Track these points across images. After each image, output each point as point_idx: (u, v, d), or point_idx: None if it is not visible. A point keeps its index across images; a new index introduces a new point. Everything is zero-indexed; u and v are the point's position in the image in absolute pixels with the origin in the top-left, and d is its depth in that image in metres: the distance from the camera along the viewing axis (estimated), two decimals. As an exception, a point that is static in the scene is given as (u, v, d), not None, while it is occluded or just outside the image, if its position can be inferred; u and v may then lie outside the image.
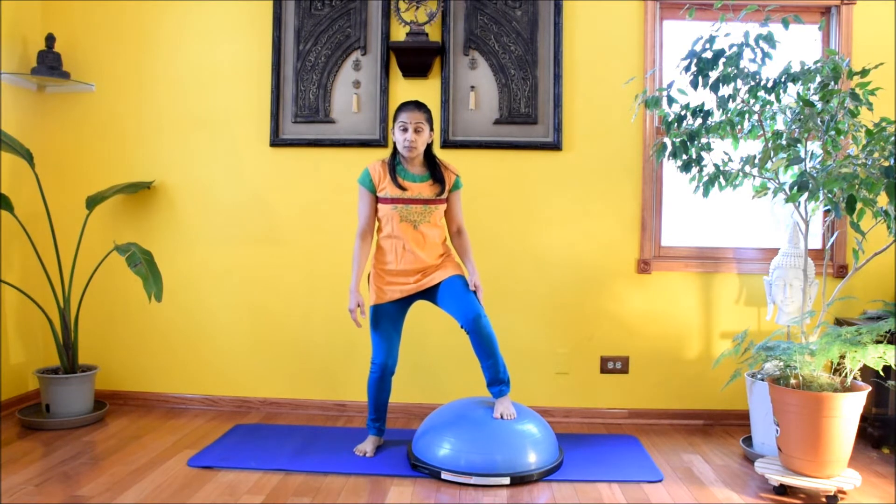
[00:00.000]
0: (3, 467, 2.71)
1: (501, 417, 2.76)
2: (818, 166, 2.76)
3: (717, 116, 2.94)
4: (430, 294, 2.91)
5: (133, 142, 3.59)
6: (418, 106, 2.84)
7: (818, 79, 2.78)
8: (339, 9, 3.50)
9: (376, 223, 2.93)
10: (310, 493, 2.55)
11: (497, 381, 2.83)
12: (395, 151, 2.92)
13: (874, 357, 2.54)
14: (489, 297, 3.44)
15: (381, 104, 3.47)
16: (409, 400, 3.51)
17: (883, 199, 2.89)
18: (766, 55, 2.81)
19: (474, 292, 2.85)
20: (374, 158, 3.47)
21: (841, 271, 3.39)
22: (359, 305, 2.84)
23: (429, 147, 2.90)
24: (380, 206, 2.87)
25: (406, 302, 2.92)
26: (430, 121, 2.86)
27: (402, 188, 2.84)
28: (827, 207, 2.73)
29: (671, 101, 2.99)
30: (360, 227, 2.89)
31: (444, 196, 2.90)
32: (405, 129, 2.82)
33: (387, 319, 2.88)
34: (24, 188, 3.47)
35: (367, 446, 2.95)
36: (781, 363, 2.76)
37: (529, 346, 3.47)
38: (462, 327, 2.79)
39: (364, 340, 3.52)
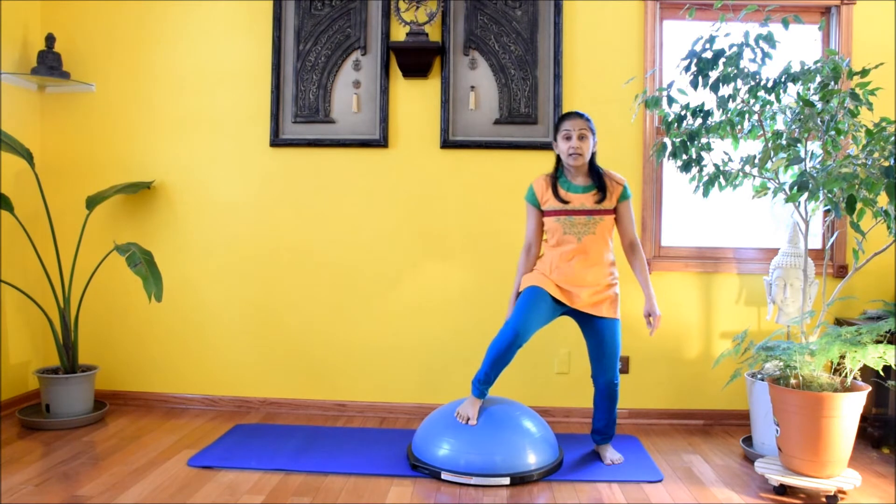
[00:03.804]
0: (3, 467, 2.71)
1: (612, 463, 2.87)
2: (818, 166, 2.76)
3: (717, 116, 2.94)
4: (579, 318, 2.85)
5: (133, 142, 3.59)
6: (580, 115, 2.80)
7: (818, 79, 2.77)
8: (339, 9, 3.50)
9: (544, 235, 2.90)
10: (310, 493, 2.55)
11: (603, 434, 2.93)
12: (557, 164, 2.88)
13: (874, 357, 2.54)
14: (493, 297, 3.45)
15: (381, 104, 3.47)
16: (409, 400, 3.51)
17: (883, 199, 2.89)
18: (766, 55, 2.81)
19: (650, 322, 2.82)
20: (374, 158, 3.52)
21: (841, 271, 3.39)
22: None
23: (593, 158, 2.84)
24: (545, 219, 2.84)
25: (556, 305, 2.81)
26: (593, 130, 2.81)
27: (564, 201, 2.79)
28: (827, 207, 2.73)
29: (671, 101, 2.99)
30: (525, 242, 2.91)
31: (609, 206, 2.80)
32: (569, 137, 2.76)
33: (533, 299, 2.76)
34: (24, 188, 3.47)
35: (469, 410, 2.80)
36: (781, 363, 2.76)
37: (529, 346, 3.44)
38: (594, 380, 2.87)
39: (363, 340, 3.53)
